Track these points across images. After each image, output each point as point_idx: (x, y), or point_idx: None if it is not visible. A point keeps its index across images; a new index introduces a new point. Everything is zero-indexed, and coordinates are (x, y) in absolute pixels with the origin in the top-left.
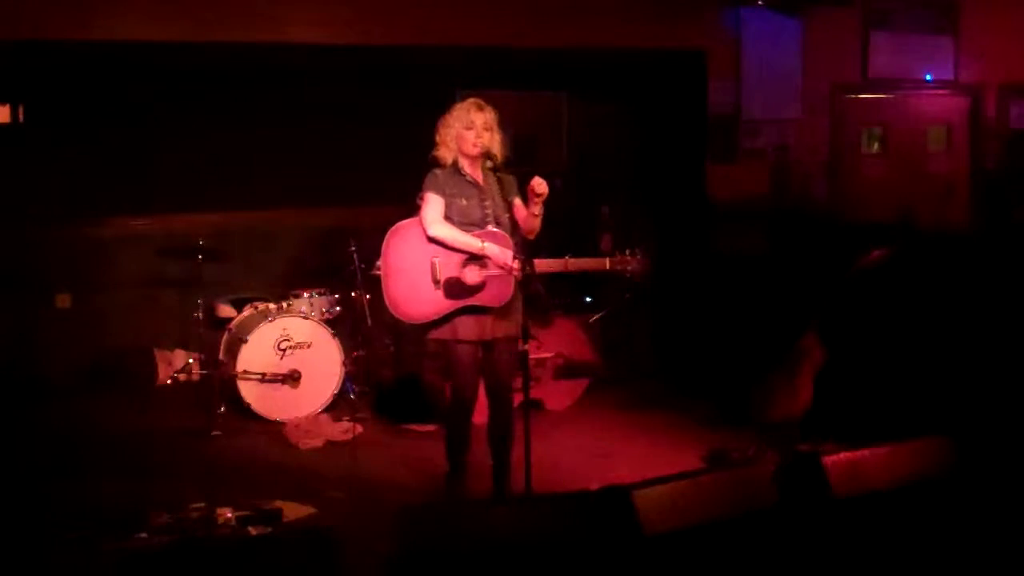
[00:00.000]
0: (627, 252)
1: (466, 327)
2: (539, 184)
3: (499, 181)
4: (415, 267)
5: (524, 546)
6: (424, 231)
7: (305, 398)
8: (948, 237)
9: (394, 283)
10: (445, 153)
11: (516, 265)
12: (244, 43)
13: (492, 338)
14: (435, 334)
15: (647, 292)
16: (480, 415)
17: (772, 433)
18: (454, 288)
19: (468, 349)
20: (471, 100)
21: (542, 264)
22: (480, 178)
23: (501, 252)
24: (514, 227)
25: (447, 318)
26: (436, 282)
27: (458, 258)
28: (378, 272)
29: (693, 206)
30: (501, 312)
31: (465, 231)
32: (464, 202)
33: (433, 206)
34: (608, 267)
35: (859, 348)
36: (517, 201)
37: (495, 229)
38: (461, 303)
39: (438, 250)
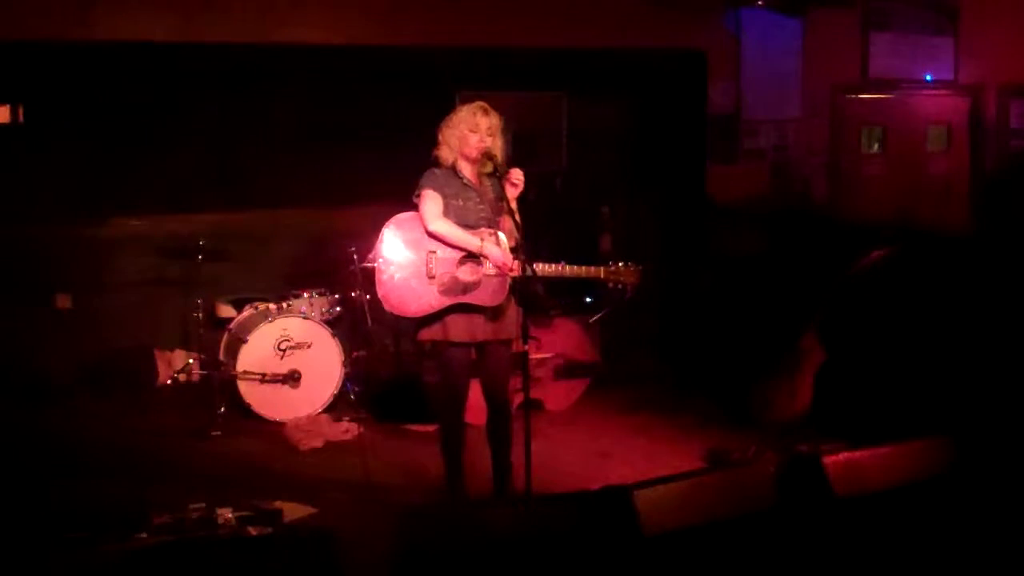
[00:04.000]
0: (623, 264)
1: (457, 327)
2: (515, 172)
3: (496, 184)
4: (411, 261)
5: (524, 546)
6: (423, 226)
7: (305, 398)
8: (948, 237)
9: (389, 276)
10: (446, 154)
11: (516, 264)
12: (244, 43)
13: (484, 340)
14: (425, 334)
15: (644, 298)
16: (479, 416)
17: (772, 433)
18: (448, 285)
19: (459, 351)
20: (478, 104)
21: (537, 268)
22: (476, 181)
23: (499, 252)
24: (515, 229)
25: (438, 316)
26: (431, 277)
27: (455, 255)
28: (372, 264)
29: (693, 206)
30: (493, 313)
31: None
32: (461, 203)
33: (432, 202)
34: (603, 276)
35: (859, 348)
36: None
37: (489, 230)
38: (454, 300)
39: (435, 245)
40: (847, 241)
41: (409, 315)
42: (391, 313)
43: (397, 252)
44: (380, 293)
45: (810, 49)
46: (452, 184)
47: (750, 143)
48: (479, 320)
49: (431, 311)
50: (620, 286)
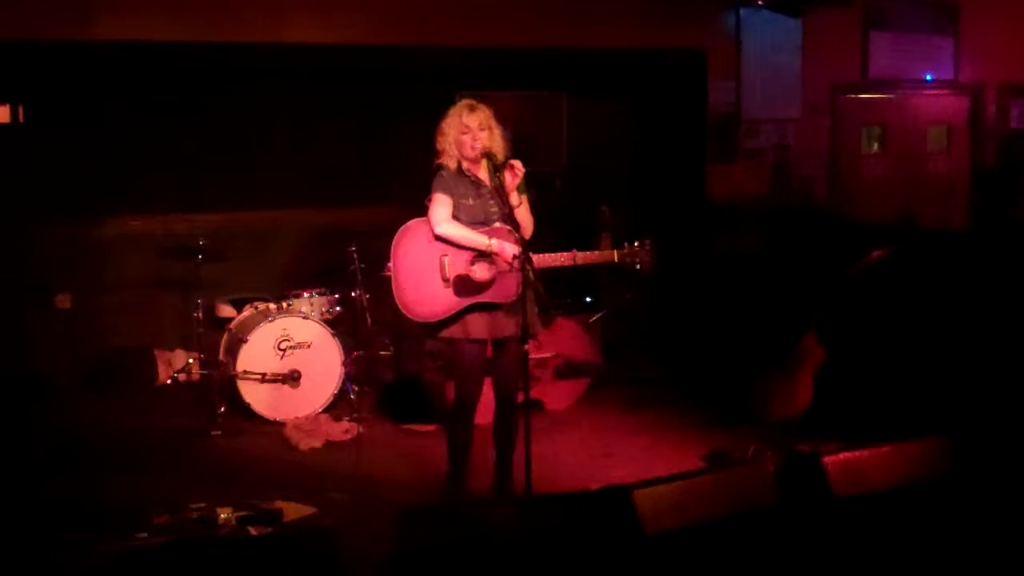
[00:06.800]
0: (635, 244)
1: (477, 324)
2: (515, 161)
3: (501, 179)
4: (424, 266)
5: (524, 546)
6: (432, 230)
7: (305, 398)
8: (948, 237)
9: (404, 283)
10: (448, 160)
11: (515, 262)
12: (244, 43)
13: (503, 336)
14: (446, 333)
15: (649, 290)
16: (483, 415)
17: (772, 433)
18: (463, 285)
19: (476, 348)
20: (463, 102)
21: (549, 258)
22: (485, 177)
23: (507, 248)
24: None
25: (457, 316)
26: (446, 280)
27: (467, 255)
28: (388, 273)
29: (693, 206)
30: (511, 309)
31: (473, 230)
32: (471, 202)
33: (441, 206)
34: (617, 260)
35: (859, 348)
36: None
37: (502, 225)
38: (471, 300)
39: (447, 248)
40: (847, 241)
41: (430, 320)
42: (413, 320)
43: (411, 259)
44: (399, 302)
45: (810, 49)
46: (461, 184)
47: (750, 143)
48: (498, 316)
49: (450, 314)
50: (637, 267)
